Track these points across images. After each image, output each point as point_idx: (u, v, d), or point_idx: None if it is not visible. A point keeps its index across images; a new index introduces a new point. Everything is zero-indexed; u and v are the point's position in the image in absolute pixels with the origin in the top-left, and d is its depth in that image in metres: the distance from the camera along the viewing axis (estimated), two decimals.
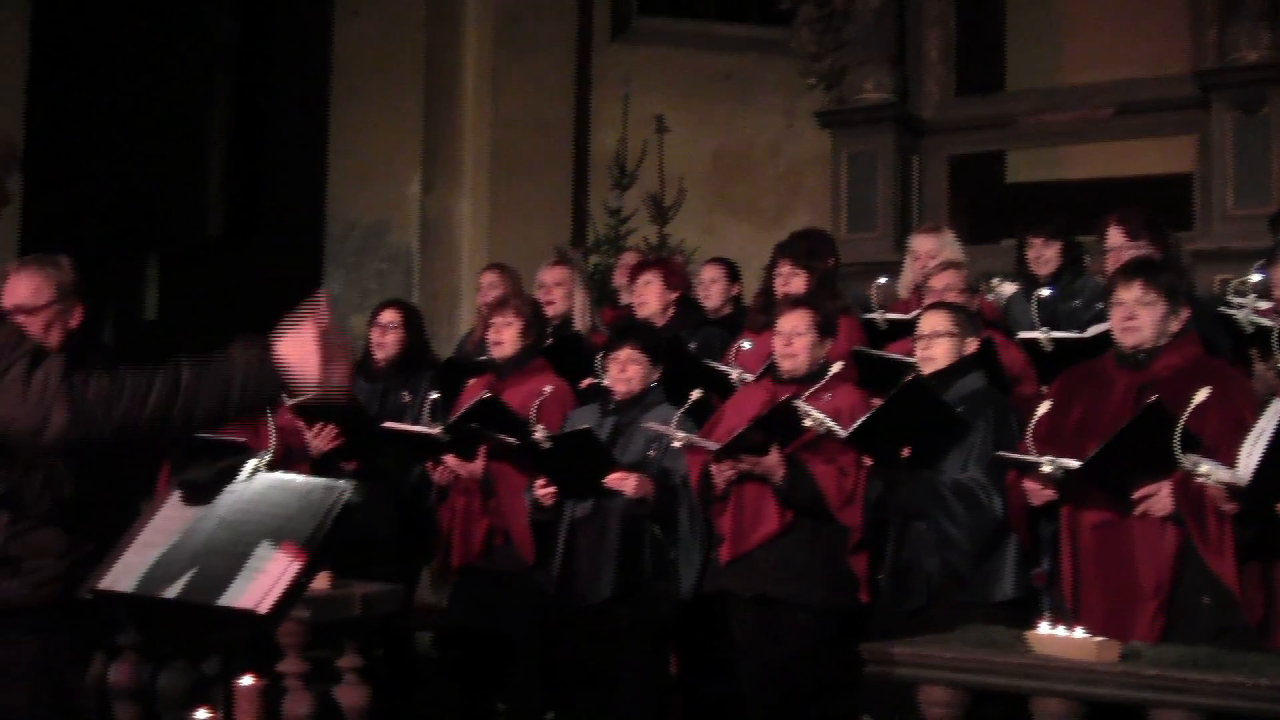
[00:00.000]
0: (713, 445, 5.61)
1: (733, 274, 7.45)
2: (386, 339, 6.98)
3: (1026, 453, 4.94)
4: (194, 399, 2.69)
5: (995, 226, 10.11)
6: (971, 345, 5.61)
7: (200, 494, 3.10)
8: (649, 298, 7.05)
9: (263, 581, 2.90)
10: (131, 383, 2.60)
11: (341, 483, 3.02)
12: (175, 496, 3.13)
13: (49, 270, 4.52)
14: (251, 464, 3.13)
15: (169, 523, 3.12)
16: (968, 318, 5.73)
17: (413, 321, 7.14)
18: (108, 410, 2.53)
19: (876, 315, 6.70)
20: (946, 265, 6.61)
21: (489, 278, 7.56)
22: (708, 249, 9.71)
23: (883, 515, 5.59)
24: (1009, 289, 7.29)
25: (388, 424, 6.47)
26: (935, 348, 5.57)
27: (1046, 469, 4.82)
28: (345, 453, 6.53)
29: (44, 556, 4.30)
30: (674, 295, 7.06)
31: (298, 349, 2.83)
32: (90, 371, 2.56)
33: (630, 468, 5.84)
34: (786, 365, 5.86)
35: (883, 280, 7.11)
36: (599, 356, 6.30)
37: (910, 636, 4.78)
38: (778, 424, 5.52)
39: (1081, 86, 10.41)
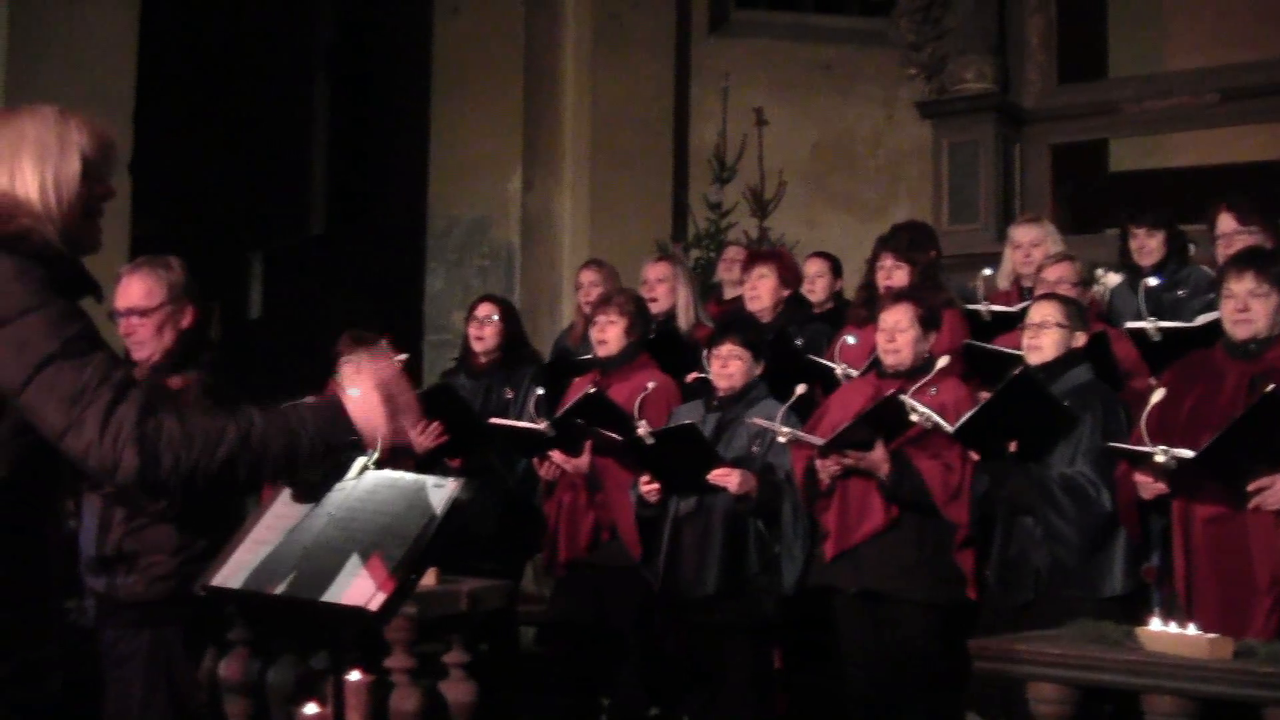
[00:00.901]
0: (818, 440, 5.58)
1: (836, 268, 7.42)
2: (485, 332, 6.99)
3: (1138, 445, 4.88)
4: (263, 451, 2.70)
5: (1097, 216, 10.02)
6: (1080, 339, 5.56)
7: (309, 492, 3.13)
8: (762, 292, 7.01)
9: (372, 579, 2.92)
10: (204, 431, 2.60)
11: (450, 480, 3.03)
12: (285, 494, 3.16)
13: (160, 272, 4.58)
14: (360, 462, 3.14)
15: (279, 520, 3.14)
16: (1078, 311, 5.67)
17: (510, 315, 7.16)
18: (177, 460, 2.54)
19: (981, 307, 6.64)
20: (1060, 257, 6.51)
21: (587, 275, 7.56)
22: (808, 242, 9.68)
23: (989, 510, 5.55)
24: (1113, 279, 7.20)
25: (494, 420, 6.49)
26: (1043, 338, 5.52)
27: (1160, 459, 4.75)
28: (449, 449, 6.57)
29: (157, 553, 4.39)
30: (786, 292, 7.01)
31: (363, 403, 2.86)
32: (167, 414, 2.57)
33: (734, 463, 5.83)
34: (890, 361, 5.82)
35: (988, 272, 7.05)
36: (703, 352, 6.30)
37: (1018, 632, 4.73)
38: (883, 419, 5.49)
39: (1185, 72, 10.27)
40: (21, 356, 2.51)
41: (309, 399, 2.93)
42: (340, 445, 2.88)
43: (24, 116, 2.75)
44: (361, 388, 2.87)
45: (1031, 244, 7.02)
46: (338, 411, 2.85)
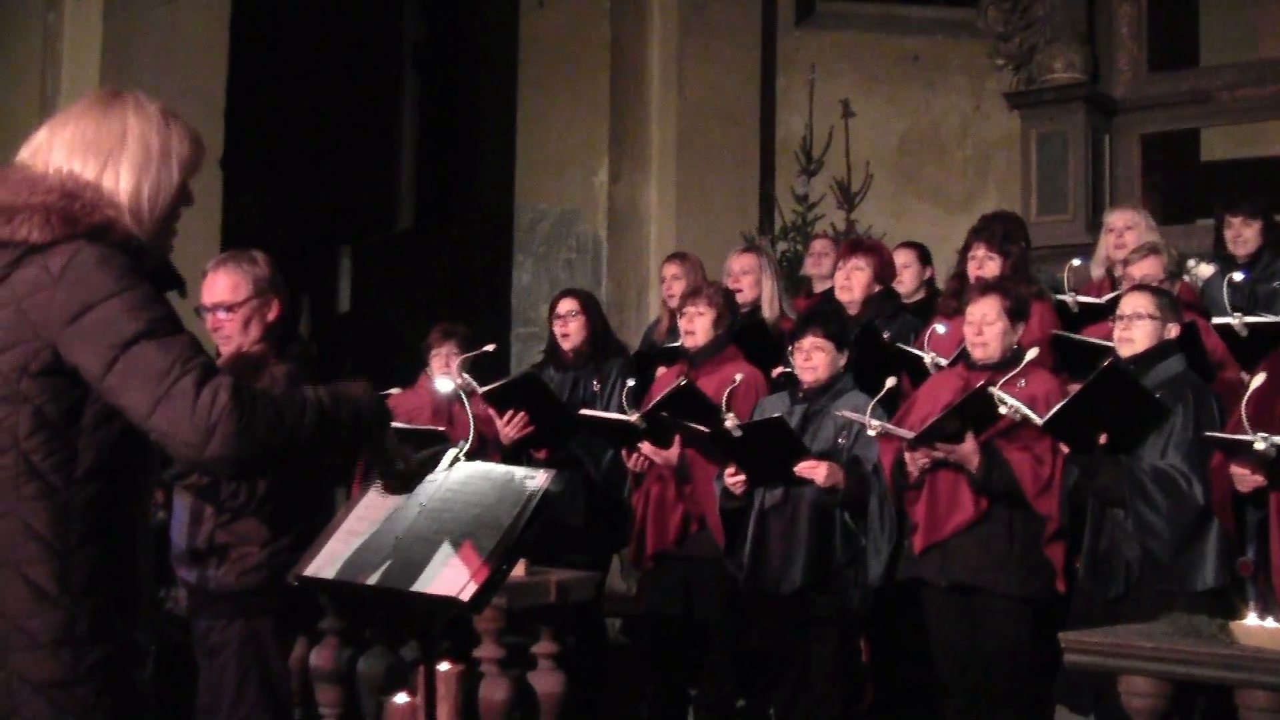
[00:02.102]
0: (907, 433, 5.56)
1: (924, 257, 7.37)
2: (569, 328, 7.00)
3: (1236, 434, 4.82)
4: (336, 417, 2.74)
5: (1189, 206, 9.91)
6: (1173, 330, 5.50)
7: (401, 484, 3.15)
8: (855, 284, 6.92)
9: (464, 569, 2.94)
10: (287, 401, 2.63)
11: (541, 472, 3.04)
12: (376, 486, 3.19)
13: (246, 266, 4.61)
14: (451, 453, 3.17)
15: (371, 511, 3.18)
16: (1170, 302, 5.61)
17: (592, 308, 7.16)
18: (272, 430, 2.55)
19: (1068, 297, 6.58)
20: (1147, 251, 6.43)
21: (671, 269, 7.55)
22: (896, 233, 9.63)
23: (1080, 503, 5.51)
24: (1206, 271, 7.12)
25: (585, 411, 6.52)
26: (1135, 329, 5.47)
27: (1260, 446, 4.68)
28: (535, 440, 6.60)
29: (248, 545, 4.44)
30: (879, 287, 6.95)
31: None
32: (254, 391, 2.59)
33: (820, 456, 5.82)
34: (978, 354, 5.78)
35: (1077, 262, 6.99)
36: (788, 345, 6.28)
37: (1109, 625, 4.69)
38: (972, 411, 5.45)
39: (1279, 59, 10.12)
40: (105, 339, 2.52)
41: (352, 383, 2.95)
42: (383, 417, 2.93)
43: (129, 110, 2.77)
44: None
45: (1125, 227, 6.94)
46: (373, 392, 2.93)
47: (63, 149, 2.71)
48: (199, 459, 2.53)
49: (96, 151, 2.71)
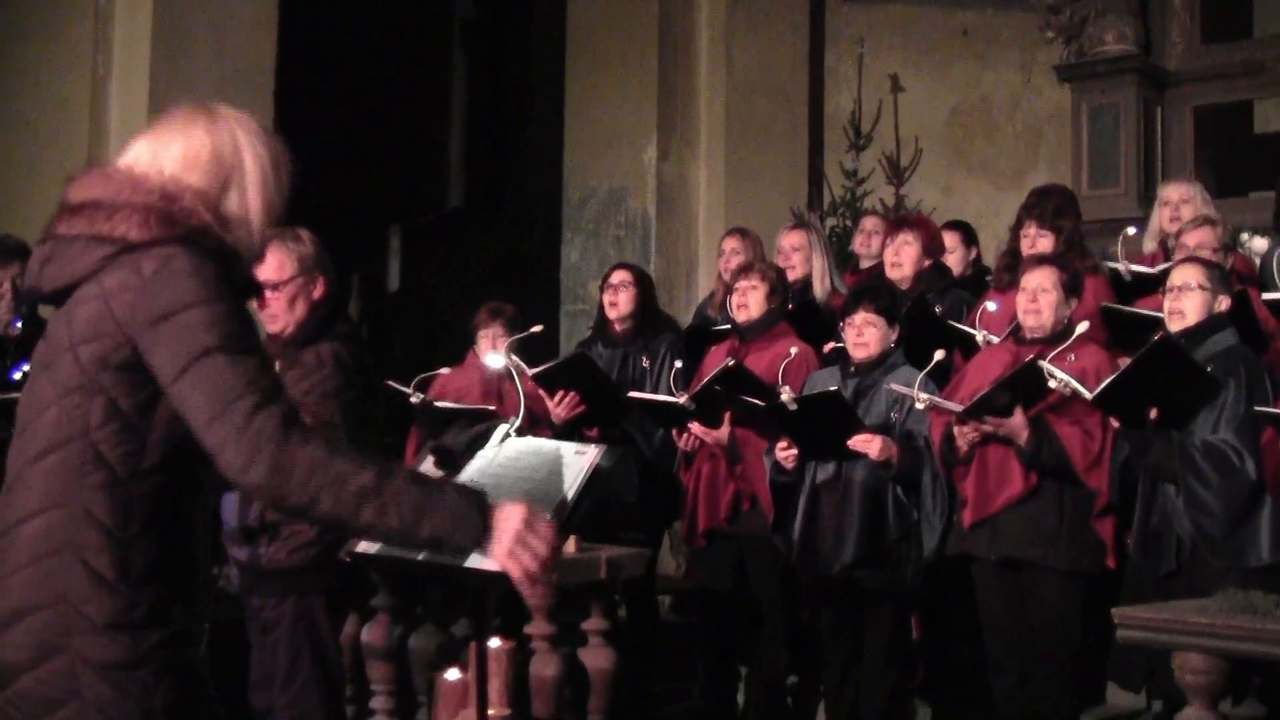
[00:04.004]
0: (956, 407, 5.54)
1: (969, 238, 7.34)
2: (619, 298, 6.98)
3: None
4: (386, 511, 2.60)
5: (1243, 179, 9.82)
6: (1224, 303, 5.45)
7: (452, 460, 3.16)
8: (904, 259, 6.89)
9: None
10: (343, 461, 2.58)
11: (593, 447, 3.05)
12: (428, 461, 3.20)
13: (290, 245, 4.64)
14: (502, 429, 3.18)
15: None
16: (1221, 274, 5.56)
17: (644, 282, 7.15)
18: (306, 481, 2.56)
19: (1120, 265, 6.53)
20: (1202, 222, 6.37)
21: (731, 243, 7.54)
22: (946, 209, 9.60)
23: (1131, 478, 5.47)
24: (1261, 244, 7.06)
25: (634, 394, 6.52)
26: (1185, 301, 5.42)
27: None
28: (586, 419, 6.61)
29: (299, 522, 4.46)
30: (928, 262, 6.93)
31: (501, 547, 2.67)
32: (313, 434, 2.59)
33: (874, 430, 5.80)
34: (1030, 322, 5.74)
35: (1131, 231, 6.94)
36: (839, 321, 6.26)
37: (1162, 601, 4.67)
38: (1022, 385, 5.43)
39: None
40: (181, 346, 2.56)
41: (456, 485, 2.82)
42: (455, 550, 2.71)
43: (235, 126, 2.81)
44: (505, 539, 2.67)
45: (1181, 200, 6.88)
46: (476, 512, 2.67)
47: (175, 166, 2.73)
48: (239, 481, 2.56)
49: (217, 168, 2.76)
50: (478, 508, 2.65)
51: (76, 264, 2.67)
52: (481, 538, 2.64)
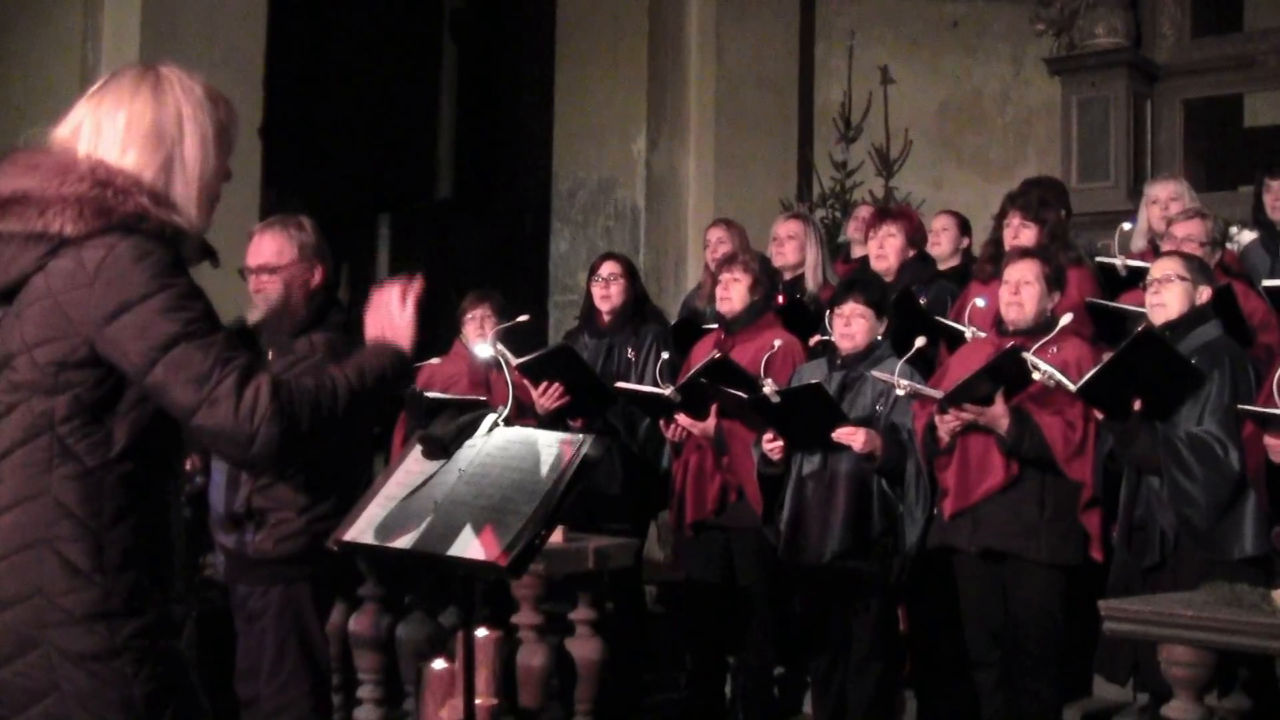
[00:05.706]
0: (937, 393, 5.54)
1: (964, 227, 7.34)
2: (609, 290, 6.95)
3: (1268, 404, 4.78)
4: (362, 389, 2.75)
5: (1232, 172, 9.83)
6: (1205, 293, 5.43)
7: (440, 449, 3.16)
8: (889, 251, 6.93)
9: (502, 534, 2.95)
10: (318, 386, 2.66)
11: (581, 437, 3.05)
12: (416, 451, 3.20)
13: (292, 231, 4.66)
14: (490, 419, 3.18)
15: (410, 477, 3.19)
16: (1201, 265, 5.56)
17: (633, 274, 7.14)
18: (315, 416, 2.59)
19: (1117, 260, 6.53)
20: (1191, 214, 6.36)
21: (716, 233, 7.56)
22: (935, 201, 9.59)
23: (1115, 471, 5.48)
24: (1247, 236, 7.06)
25: (620, 385, 6.52)
26: (1166, 293, 5.41)
27: None
28: (571, 410, 6.60)
29: (286, 511, 4.48)
30: (913, 252, 6.95)
31: (376, 319, 2.97)
32: (291, 385, 2.61)
33: (858, 423, 5.80)
34: (1012, 314, 5.74)
35: (1128, 225, 6.95)
36: (826, 312, 6.27)
37: (1147, 594, 4.68)
38: (1005, 374, 5.43)
39: None
40: (144, 340, 2.54)
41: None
42: (395, 373, 2.91)
43: (179, 93, 2.75)
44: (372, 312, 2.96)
45: (1170, 198, 6.89)
46: (379, 345, 2.94)
47: (116, 138, 2.69)
48: (243, 459, 2.58)
49: (157, 144, 2.70)
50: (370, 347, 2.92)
51: (17, 263, 2.63)
52: (394, 348, 2.92)
